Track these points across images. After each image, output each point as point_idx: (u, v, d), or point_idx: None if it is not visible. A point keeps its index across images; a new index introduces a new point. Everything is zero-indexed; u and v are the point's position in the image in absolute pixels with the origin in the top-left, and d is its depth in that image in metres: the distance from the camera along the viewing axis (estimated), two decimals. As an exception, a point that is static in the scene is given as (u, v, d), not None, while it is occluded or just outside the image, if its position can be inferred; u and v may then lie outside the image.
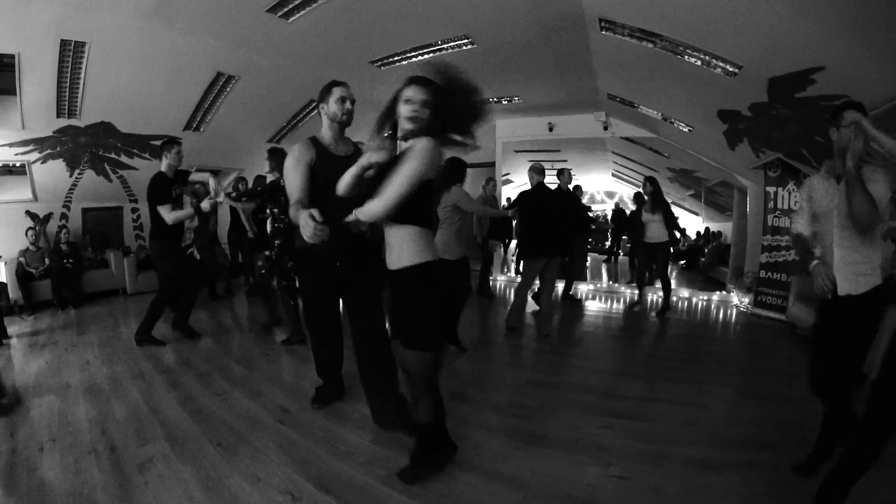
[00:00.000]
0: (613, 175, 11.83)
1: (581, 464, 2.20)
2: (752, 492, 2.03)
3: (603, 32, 3.93)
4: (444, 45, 4.58)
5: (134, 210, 6.48)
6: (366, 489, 1.97)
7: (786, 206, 5.44)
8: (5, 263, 5.24)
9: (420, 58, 4.87)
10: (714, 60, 3.64)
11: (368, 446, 2.31)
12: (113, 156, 5.51)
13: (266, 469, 2.09)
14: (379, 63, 5.05)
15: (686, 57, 3.75)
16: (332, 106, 2.34)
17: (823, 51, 2.87)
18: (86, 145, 5.12)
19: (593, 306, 5.87)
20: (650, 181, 5.34)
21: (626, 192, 13.83)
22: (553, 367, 3.57)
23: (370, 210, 1.67)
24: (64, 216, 5.75)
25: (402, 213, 1.68)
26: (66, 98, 4.40)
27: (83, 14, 3.51)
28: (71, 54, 3.92)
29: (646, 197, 5.40)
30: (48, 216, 5.63)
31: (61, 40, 3.74)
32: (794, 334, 4.66)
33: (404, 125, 1.75)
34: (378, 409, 2.42)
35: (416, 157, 1.64)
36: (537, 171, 4.38)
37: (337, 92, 2.34)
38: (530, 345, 4.17)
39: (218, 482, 1.99)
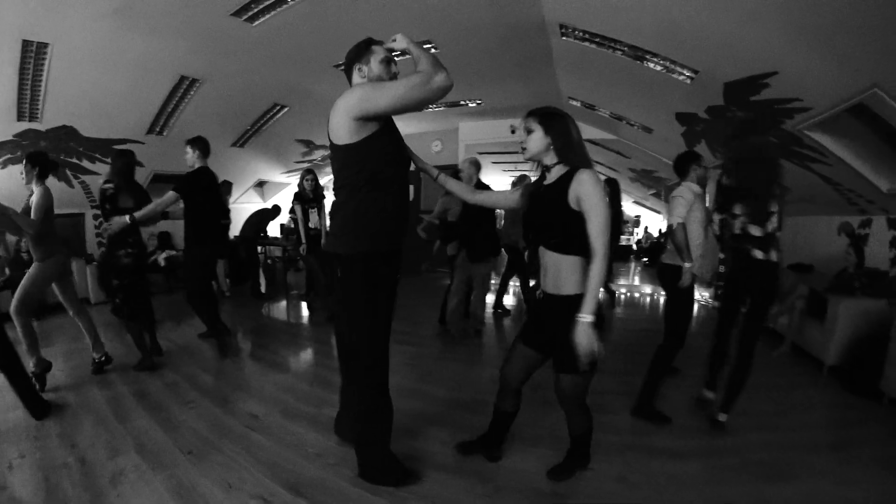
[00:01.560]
0: None
1: (545, 457, 2.28)
2: (712, 477, 2.17)
3: (563, 38, 4.04)
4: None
5: (96, 217, 6.28)
6: (336, 490, 2.01)
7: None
8: (-39, 274, 5.01)
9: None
10: (672, 66, 3.79)
11: (336, 448, 2.35)
12: (75, 160, 5.35)
13: (237, 475, 2.11)
14: (343, 67, 5.07)
15: (645, 62, 3.89)
16: (375, 68, 1.95)
17: (776, 57, 3.01)
18: (46, 150, 4.95)
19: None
20: (608, 183, 5.28)
21: None
22: None
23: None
24: (24, 223, 5.53)
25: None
26: (28, 101, 4.26)
27: (46, 14, 3.41)
28: (33, 55, 3.80)
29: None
30: (7, 224, 5.42)
31: (23, 40, 3.62)
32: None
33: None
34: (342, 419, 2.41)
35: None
36: (476, 166, 4.13)
37: (380, 52, 1.95)
38: (493, 342, 4.28)
39: (191, 490, 2.00)
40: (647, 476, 2.17)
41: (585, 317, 1.62)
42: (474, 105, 6.77)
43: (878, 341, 3.13)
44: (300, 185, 4.98)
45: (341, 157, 1.86)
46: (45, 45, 3.73)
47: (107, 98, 4.61)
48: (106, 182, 3.38)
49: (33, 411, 2.67)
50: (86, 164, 5.47)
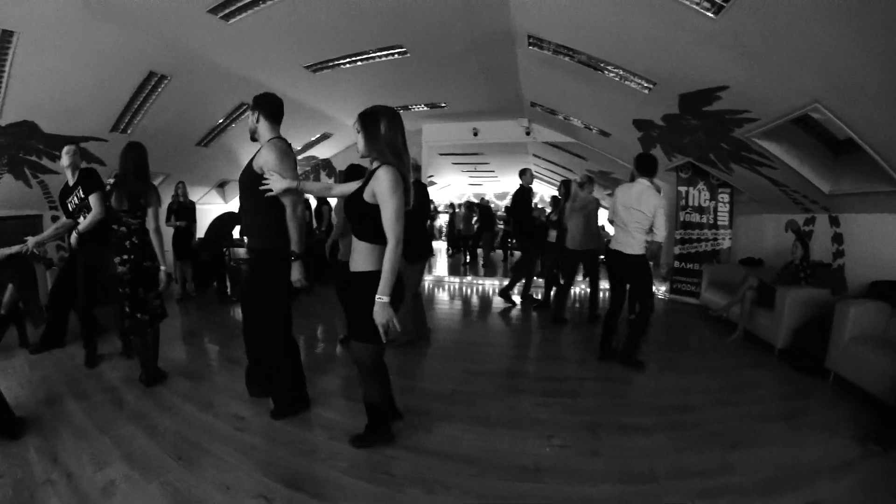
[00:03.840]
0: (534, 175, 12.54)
1: (524, 438, 2.48)
2: (679, 447, 2.42)
3: (530, 48, 4.22)
4: (378, 54, 4.70)
5: (54, 218, 5.97)
6: (333, 482, 2.10)
7: (696, 204, 6.12)
8: None
9: (352, 65, 4.97)
10: (631, 76, 4.04)
11: (326, 442, 2.43)
12: (34, 158, 5.06)
13: (233, 476, 2.14)
14: (314, 68, 5.07)
15: (606, 72, 4.12)
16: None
17: (728, 73, 3.29)
18: (5, 146, 4.64)
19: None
20: (564, 185, 5.48)
21: (546, 192, 14.72)
22: (485, 358, 3.85)
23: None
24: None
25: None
26: (-11, 93, 3.99)
27: (13, 0, 3.19)
28: (-4, 44, 3.54)
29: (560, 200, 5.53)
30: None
31: (-12, 26, 3.37)
32: (707, 315, 5.29)
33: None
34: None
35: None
36: (413, 168, 4.20)
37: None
38: (460, 339, 4.48)
39: (187, 494, 2.00)
40: (618, 450, 2.39)
41: (381, 297, 1.85)
42: (438, 108, 6.90)
43: (822, 325, 3.49)
44: None
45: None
46: (11, 33, 3.50)
47: (72, 92, 4.38)
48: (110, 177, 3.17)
49: (7, 432, 2.49)
50: (46, 162, 5.18)
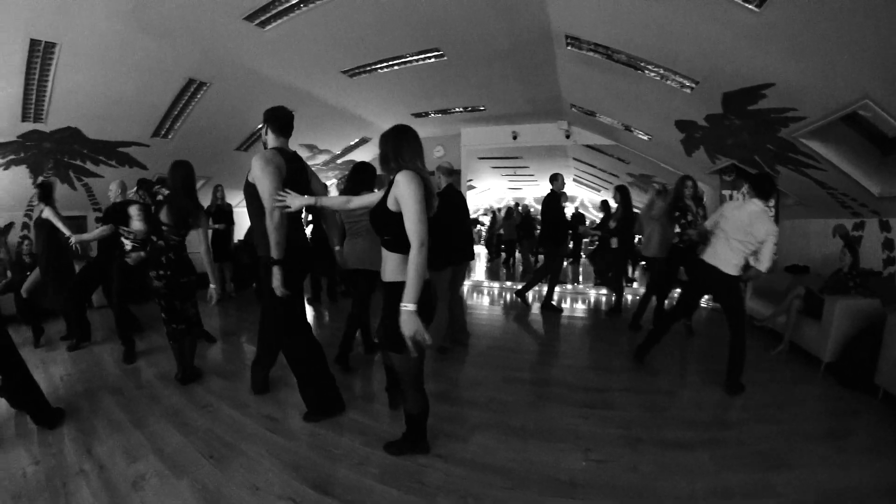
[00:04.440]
0: (574, 180, 12.28)
1: (561, 451, 2.37)
2: (721, 466, 2.26)
3: (568, 48, 4.13)
4: (415, 57, 4.68)
5: (98, 220, 6.25)
6: (364, 489, 2.05)
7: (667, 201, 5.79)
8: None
9: (389, 69, 4.97)
10: (673, 75, 3.89)
11: (360, 448, 2.39)
12: (78, 162, 5.31)
13: (263, 477, 2.13)
14: (351, 73, 5.11)
15: (646, 72, 3.99)
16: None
17: (773, 70, 3.12)
18: (50, 151, 4.90)
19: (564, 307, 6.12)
20: (620, 190, 5.54)
21: (586, 197, 14.37)
22: (525, 366, 3.74)
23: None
24: (26, 226, 5.46)
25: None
26: (33, 101, 4.21)
27: (56, 13, 3.36)
28: (40, 55, 3.75)
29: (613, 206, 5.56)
30: (9, 226, 5.37)
31: (31, 40, 3.57)
32: (752, 326, 5.01)
33: None
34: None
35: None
36: (445, 172, 3.97)
37: None
38: (500, 345, 4.34)
39: (216, 493, 2.01)
40: (658, 466, 2.25)
41: (407, 306, 1.80)
42: (477, 111, 6.85)
43: (872, 338, 3.24)
44: None
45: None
46: (53, 44, 3.69)
47: (113, 100, 4.57)
48: (159, 185, 3.30)
49: (45, 421, 2.60)
50: (90, 166, 5.43)
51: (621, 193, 5.51)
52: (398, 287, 1.90)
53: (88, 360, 3.76)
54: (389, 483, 2.07)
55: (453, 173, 4.13)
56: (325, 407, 2.74)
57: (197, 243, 3.23)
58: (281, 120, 2.63)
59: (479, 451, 2.37)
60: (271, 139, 2.65)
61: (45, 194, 4.04)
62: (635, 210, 6.02)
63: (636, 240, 5.97)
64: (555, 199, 5.47)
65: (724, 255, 3.24)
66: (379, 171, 2.04)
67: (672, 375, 3.48)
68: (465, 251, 4.08)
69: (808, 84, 3.08)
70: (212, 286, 3.24)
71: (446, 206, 3.88)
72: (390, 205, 1.88)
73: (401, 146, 1.92)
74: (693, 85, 3.87)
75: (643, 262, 5.97)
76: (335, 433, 2.55)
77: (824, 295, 3.89)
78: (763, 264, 3.13)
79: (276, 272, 2.45)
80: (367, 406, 2.93)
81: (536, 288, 6.40)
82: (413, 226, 1.80)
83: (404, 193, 1.81)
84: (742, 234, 3.16)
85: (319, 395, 2.72)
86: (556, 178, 5.46)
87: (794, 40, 2.71)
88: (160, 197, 3.20)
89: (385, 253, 2.00)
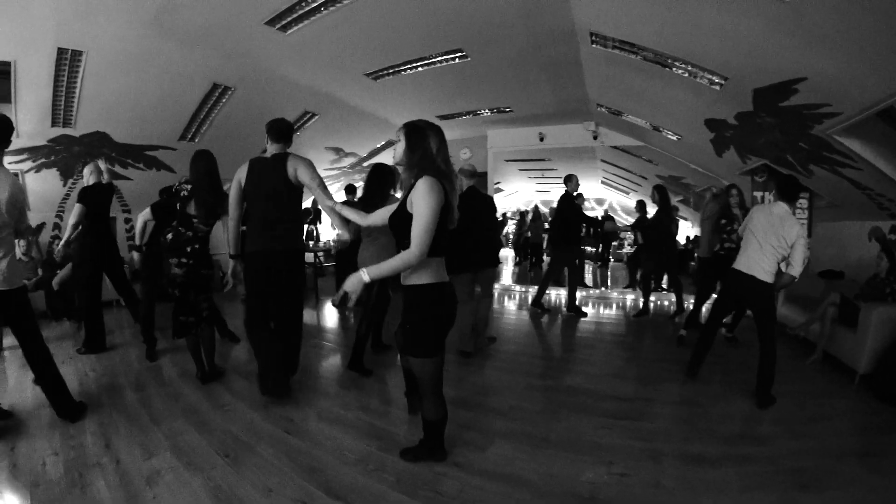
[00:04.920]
0: (603, 182, 12.04)
1: (583, 463, 2.28)
2: (747, 484, 2.13)
3: (593, 45, 4.04)
4: (438, 59, 4.66)
5: (127, 220, 6.44)
6: (377, 495, 2.01)
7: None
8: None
9: (413, 71, 4.94)
10: (701, 72, 3.77)
11: (376, 453, 2.35)
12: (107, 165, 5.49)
13: (276, 479, 2.11)
14: (374, 75, 5.10)
15: (674, 69, 3.88)
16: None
17: (804, 63, 2.99)
18: (80, 154, 5.07)
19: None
20: (658, 190, 5.53)
21: (615, 200, 14.07)
22: (549, 372, 3.64)
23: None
24: (57, 226, 5.66)
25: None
26: (62, 107, 4.37)
27: (81, 22, 3.50)
28: (67, 63, 3.89)
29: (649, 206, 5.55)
30: (40, 226, 5.56)
31: (58, 48, 3.71)
32: (784, 334, 4.81)
33: None
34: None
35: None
36: (467, 175, 3.95)
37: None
38: (525, 350, 4.26)
39: (229, 493, 2.00)
40: (682, 482, 2.14)
41: (364, 274, 1.83)
42: (503, 113, 6.80)
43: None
44: None
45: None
46: (80, 52, 3.83)
47: (140, 105, 4.71)
48: (183, 182, 3.33)
49: (68, 415, 2.66)
50: (118, 168, 5.59)
51: (659, 193, 5.45)
52: (417, 290, 1.91)
53: (113, 358, 3.85)
54: (404, 490, 2.02)
55: (475, 175, 4.06)
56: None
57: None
58: (274, 129, 2.95)
59: (498, 460, 2.30)
60: (269, 146, 2.97)
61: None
62: (678, 216, 5.97)
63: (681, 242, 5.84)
64: (567, 200, 5.42)
65: (758, 261, 3.11)
66: (396, 164, 2.01)
67: (701, 385, 3.34)
68: (488, 256, 3.98)
69: (841, 77, 2.93)
70: (228, 274, 3.19)
71: (467, 209, 3.87)
72: (409, 207, 1.86)
73: (439, 154, 1.90)
74: (722, 81, 3.75)
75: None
76: (352, 437, 2.52)
77: (860, 302, 3.70)
78: (795, 268, 3.02)
79: (232, 265, 2.99)
80: (386, 410, 2.89)
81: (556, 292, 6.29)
82: (418, 233, 1.79)
83: (420, 201, 1.79)
84: (774, 237, 3.05)
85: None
86: (569, 179, 5.45)
87: (826, 29, 2.58)
88: (184, 193, 3.23)
89: None
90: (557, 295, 6.77)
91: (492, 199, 4.18)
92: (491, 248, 4.05)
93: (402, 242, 1.91)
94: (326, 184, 2.89)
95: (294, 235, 2.99)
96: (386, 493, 2.02)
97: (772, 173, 5.52)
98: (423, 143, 1.89)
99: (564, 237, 5.53)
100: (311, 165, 2.86)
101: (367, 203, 3.21)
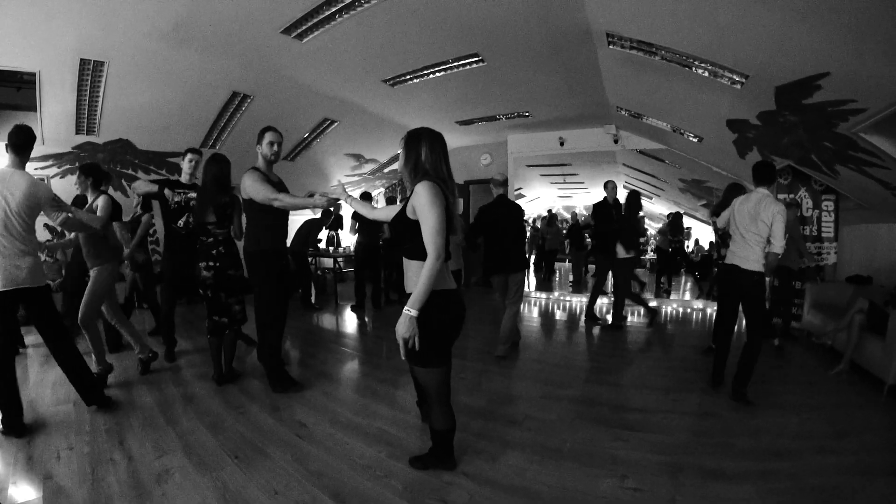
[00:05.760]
0: (625, 187, 11.83)
1: (596, 476, 2.21)
2: (768, 502, 2.03)
3: (610, 47, 3.97)
4: (455, 64, 4.65)
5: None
6: (383, 501, 1.99)
7: (798, 213, 5.45)
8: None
9: (430, 77, 4.95)
10: (721, 71, 3.67)
11: (385, 460, 2.33)
12: (130, 172, 5.64)
13: (284, 482, 2.12)
14: (391, 82, 5.12)
15: (693, 68, 3.78)
16: (264, 147, 3.13)
17: (828, 56, 2.88)
18: (104, 161, 5.24)
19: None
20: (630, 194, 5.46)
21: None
22: (566, 381, 3.57)
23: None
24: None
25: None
26: (85, 115, 4.52)
27: (102, 34, 3.62)
28: (90, 73, 4.03)
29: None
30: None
31: (80, 59, 3.85)
32: (809, 342, 4.63)
33: None
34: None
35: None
36: (497, 184, 4.14)
37: (268, 136, 3.13)
38: (543, 359, 4.19)
39: (236, 494, 2.01)
40: (698, 499, 2.05)
41: (409, 310, 1.79)
42: (522, 117, 6.76)
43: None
44: None
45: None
46: (102, 63, 3.97)
47: (161, 113, 4.84)
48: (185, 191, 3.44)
49: (97, 401, 2.84)
50: (141, 175, 5.74)
51: (627, 198, 5.37)
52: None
53: (132, 357, 3.91)
54: (410, 499, 2.00)
55: (505, 184, 4.16)
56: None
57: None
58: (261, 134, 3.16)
59: (509, 471, 2.25)
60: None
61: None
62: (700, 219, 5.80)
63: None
64: (605, 207, 5.34)
65: (743, 253, 3.18)
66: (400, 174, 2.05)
67: (724, 397, 3.21)
68: (517, 262, 4.08)
69: (866, 71, 2.79)
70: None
71: (498, 216, 4.02)
72: (409, 213, 1.89)
73: (439, 159, 1.91)
74: (743, 80, 3.63)
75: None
76: (363, 443, 2.51)
77: (889, 309, 3.55)
78: (776, 245, 3.07)
79: None
80: (399, 417, 2.86)
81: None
82: (430, 238, 1.81)
83: (423, 204, 1.81)
84: (753, 224, 3.12)
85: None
86: (607, 185, 5.40)
87: (849, 23, 2.47)
88: (193, 203, 3.34)
89: (406, 262, 1.99)
90: (601, 303, 6.57)
91: (519, 206, 4.28)
92: (519, 253, 4.13)
93: (405, 248, 1.97)
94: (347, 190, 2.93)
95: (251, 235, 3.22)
96: (391, 500, 1.99)
97: (796, 175, 5.35)
98: (417, 148, 1.92)
99: (602, 245, 5.41)
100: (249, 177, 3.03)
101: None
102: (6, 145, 2.56)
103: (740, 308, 3.31)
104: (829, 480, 2.20)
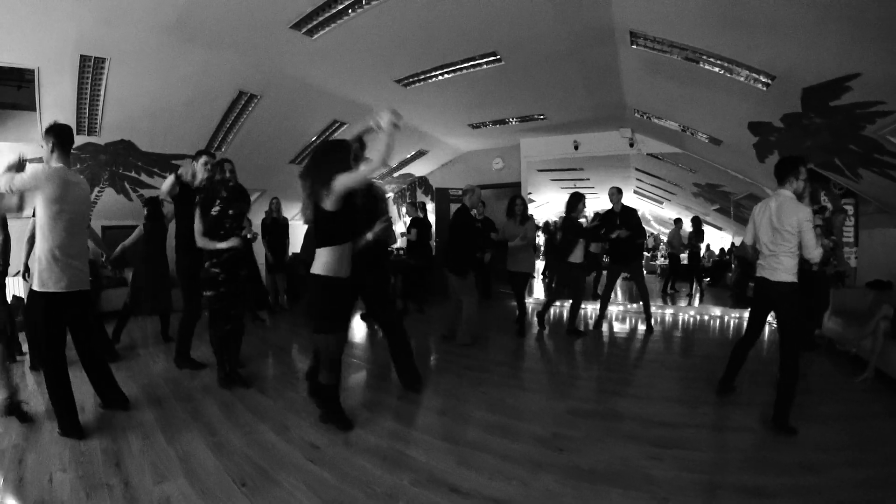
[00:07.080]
0: (636, 192, 11.70)
1: (635, 499, 2.06)
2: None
3: (633, 46, 3.86)
4: (471, 63, 4.52)
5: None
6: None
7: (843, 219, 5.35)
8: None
9: (444, 77, 4.80)
10: (746, 72, 3.57)
11: (407, 488, 2.14)
12: (133, 174, 5.47)
13: (295, 513, 1.94)
14: (403, 82, 4.98)
15: (718, 69, 3.68)
16: (199, 169, 3.56)
17: (858, 56, 2.80)
18: (106, 163, 5.07)
19: (618, 327, 5.77)
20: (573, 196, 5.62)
21: (647, 210, 13.67)
22: (590, 395, 3.42)
23: None
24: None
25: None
26: (86, 115, 4.35)
27: (103, 29, 3.44)
28: (91, 70, 3.86)
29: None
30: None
31: (81, 56, 3.67)
32: (833, 349, 4.50)
33: None
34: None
35: None
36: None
37: (202, 159, 3.57)
38: (560, 370, 4.06)
39: (244, 527, 1.84)
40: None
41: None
42: (537, 120, 6.64)
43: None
44: None
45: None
46: (103, 59, 3.78)
47: (165, 112, 4.66)
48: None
49: (117, 404, 2.91)
50: (144, 177, 5.57)
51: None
52: (318, 279, 2.51)
53: (132, 369, 3.77)
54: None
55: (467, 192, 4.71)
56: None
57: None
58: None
59: (542, 496, 2.08)
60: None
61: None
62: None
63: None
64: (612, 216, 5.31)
65: (769, 263, 2.92)
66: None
67: (755, 409, 3.06)
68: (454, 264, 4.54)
69: (896, 72, 2.69)
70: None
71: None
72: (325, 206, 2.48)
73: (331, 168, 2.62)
74: (769, 81, 3.54)
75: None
76: (383, 469, 2.30)
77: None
78: (809, 252, 2.76)
79: None
80: (418, 438, 2.67)
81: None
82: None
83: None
84: (777, 235, 2.82)
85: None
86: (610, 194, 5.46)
87: (882, 22, 2.38)
88: (216, 209, 3.30)
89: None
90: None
91: (457, 212, 4.74)
92: (456, 257, 4.55)
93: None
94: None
95: None
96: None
97: (814, 178, 5.23)
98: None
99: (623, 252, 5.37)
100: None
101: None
102: (53, 143, 2.57)
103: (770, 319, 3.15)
104: (859, 495, 2.12)
